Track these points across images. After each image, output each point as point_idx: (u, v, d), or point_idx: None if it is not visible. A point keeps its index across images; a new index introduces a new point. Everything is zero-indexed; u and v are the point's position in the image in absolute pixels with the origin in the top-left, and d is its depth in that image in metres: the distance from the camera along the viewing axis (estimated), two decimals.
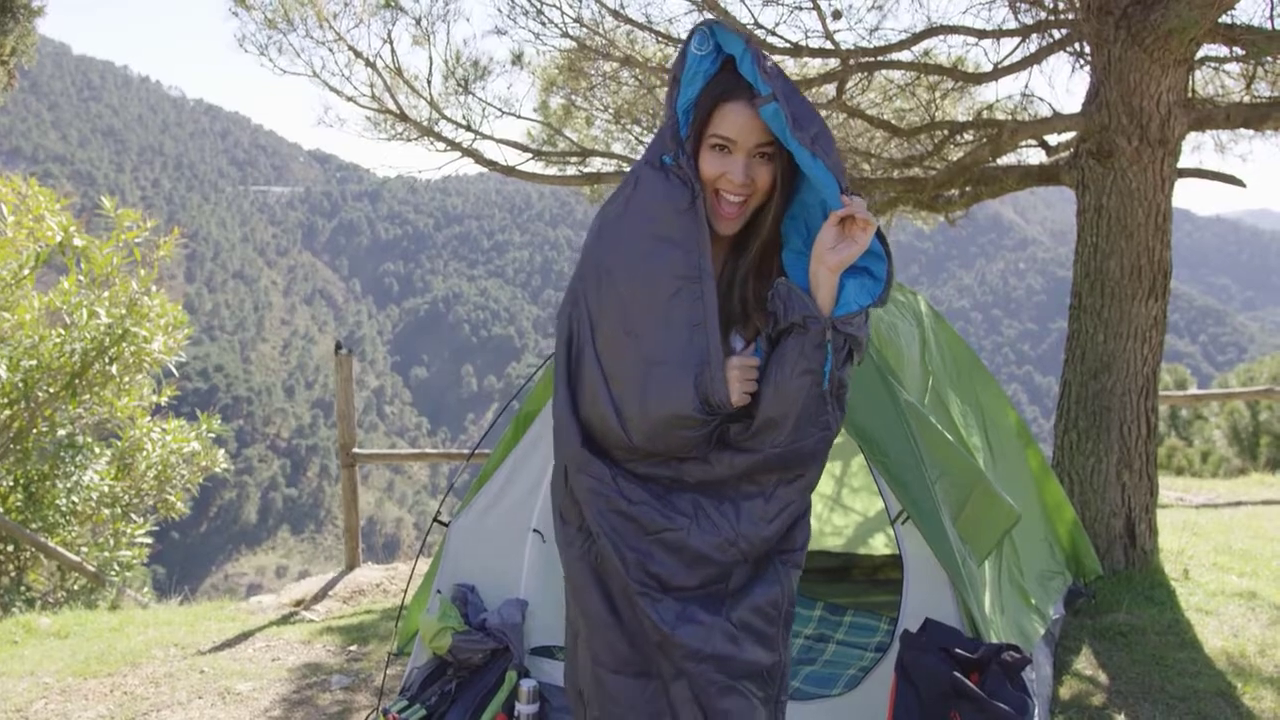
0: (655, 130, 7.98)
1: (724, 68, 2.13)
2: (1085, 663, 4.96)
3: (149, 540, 10.17)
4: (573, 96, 8.24)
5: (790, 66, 8.09)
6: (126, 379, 10.21)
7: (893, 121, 7.53)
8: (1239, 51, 6.84)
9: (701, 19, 2.17)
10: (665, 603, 2.18)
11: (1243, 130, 7.64)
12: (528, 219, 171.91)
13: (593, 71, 7.76)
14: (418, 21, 7.30)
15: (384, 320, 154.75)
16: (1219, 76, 7.88)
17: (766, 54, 2.08)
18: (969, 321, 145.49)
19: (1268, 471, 12.84)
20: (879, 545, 6.22)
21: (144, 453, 10.22)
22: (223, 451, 10.95)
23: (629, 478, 2.21)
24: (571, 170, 8.41)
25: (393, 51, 7.50)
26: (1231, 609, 5.64)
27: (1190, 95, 6.55)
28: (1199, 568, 6.41)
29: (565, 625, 2.41)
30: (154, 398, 10.68)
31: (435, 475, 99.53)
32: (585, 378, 2.21)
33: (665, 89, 7.26)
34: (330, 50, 7.48)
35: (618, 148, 8.60)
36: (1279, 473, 12.31)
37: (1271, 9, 6.24)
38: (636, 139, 8.40)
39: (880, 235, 2.12)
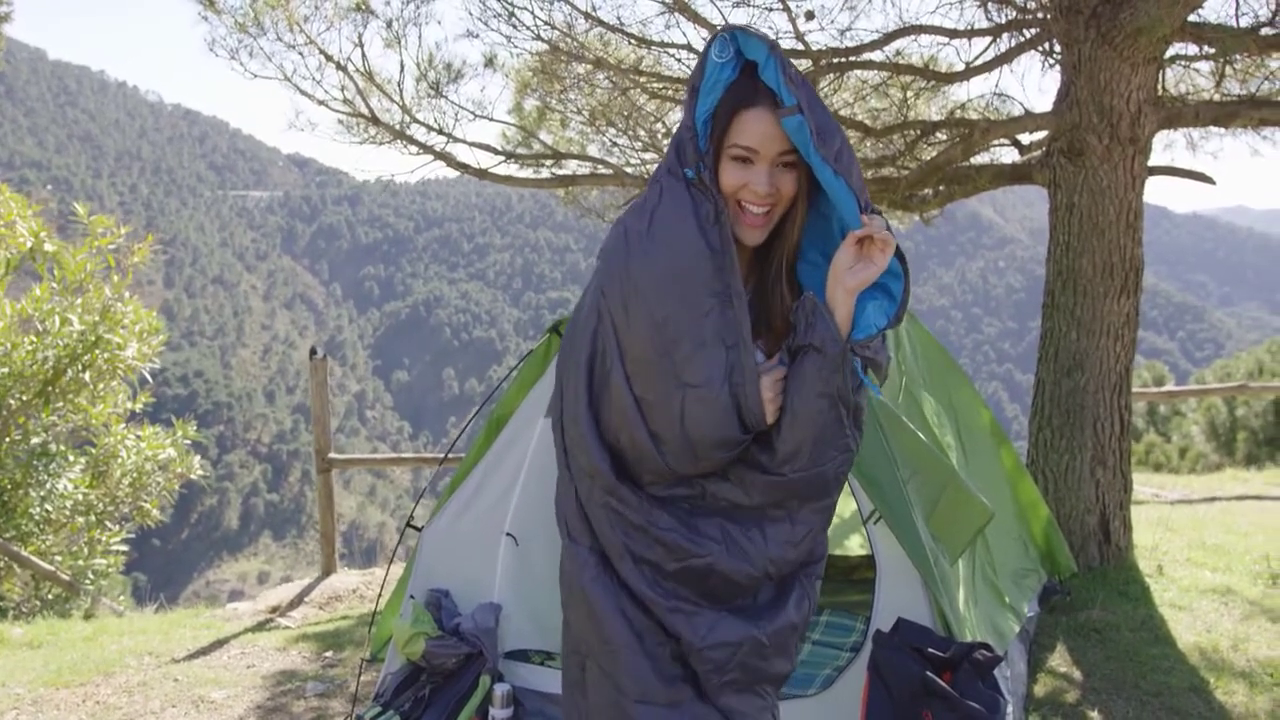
0: (629, 132, 7.97)
1: (742, 73, 2.04)
2: (1060, 659, 4.98)
3: (124, 548, 10.09)
4: (547, 99, 8.22)
5: None
6: (101, 386, 10.14)
7: (866, 122, 7.54)
8: (1209, 50, 6.88)
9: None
10: (700, 615, 2.13)
11: (1214, 128, 7.68)
12: (508, 221, 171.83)
13: (566, 74, 7.74)
14: (389, 25, 7.26)
15: (365, 324, 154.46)
16: (1190, 75, 7.93)
17: (791, 60, 2.01)
18: (949, 320, 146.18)
19: (1242, 467, 12.93)
20: (854, 545, 6.23)
21: (119, 460, 10.14)
22: (199, 458, 10.87)
23: (655, 502, 2.14)
24: (546, 173, 8.38)
25: (364, 55, 7.46)
26: (1205, 604, 5.67)
27: (1161, 93, 6.58)
28: (1173, 564, 6.45)
29: (565, 656, 2.30)
30: (129, 404, 10.60)
31: (418, 479, 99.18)
32: (614, 400, 2.12)
33: (638, 91, 7.20)
34: (301, 54, 7.42)
35: (593, 150, 8.58)
36: (1253, 468, 12.39)
37: (1237, 7, 6.28)
38: (611, 141, 8.38)
39: (899, 253, 2.05)
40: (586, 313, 2.19)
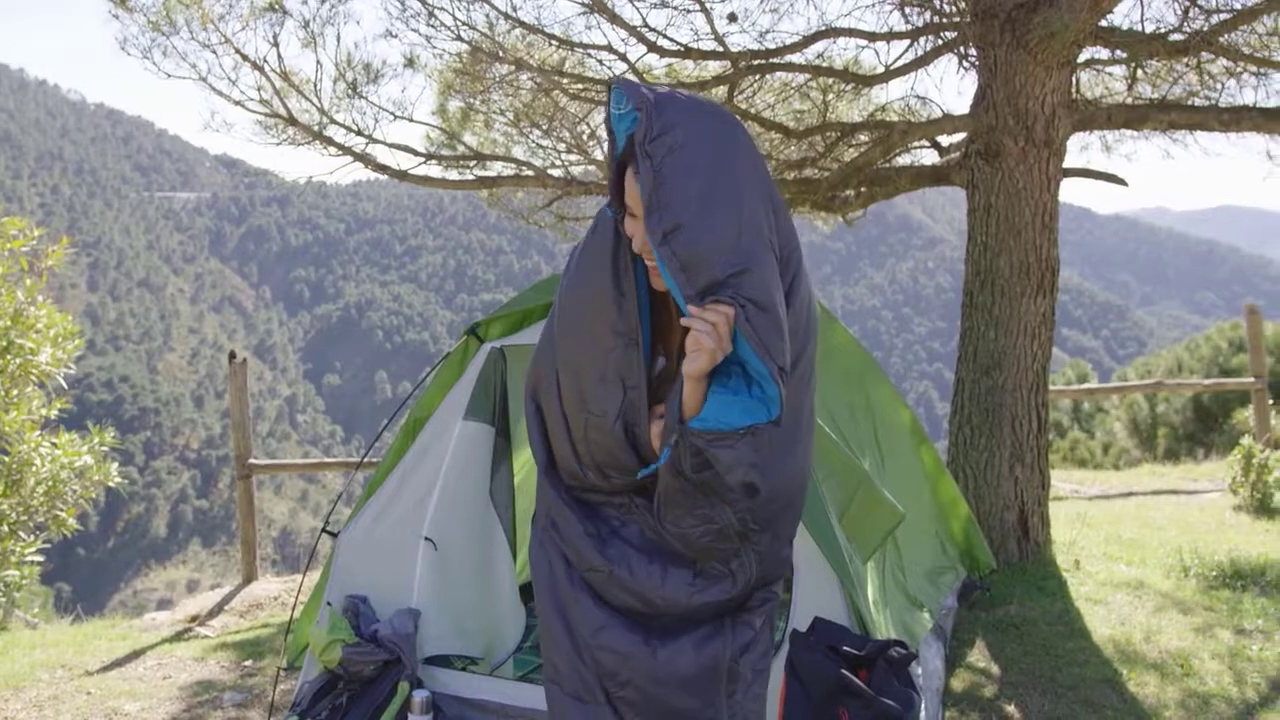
0: (553, 133, 7.95)
1: None
2: (978, 655, 5.04)
3: (40, 559, 9.82)
4: (470, 100, 8.15)
5: (690, 69, 8.10)
6: (14, 392, 9.85)
7: (788, 124, 7.59)
8: (1120, 54, 7.02)
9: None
10: (594, 610, 2.16)
11: (1127, 130, 7.83)
12: (440, 223, 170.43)
13: (488, 75, 7.68)
14: (305, 25, 7.15)
15: (295, 327, 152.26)
16: (1104, 79, 8.08)
17: (664, 112, 1.90)
18: (880, 320, 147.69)
19: (1162, 462, 13.21)
20: None
21: (33, 468, 9.86)
22: (116, 464, 10.60)
23: (570, 504, 2.21)
24: (469, 175, 8.31)
25: (279, 55, 7.34)
26: (1119, 598, 5.78)
27: (1076, 96, 6.70)
28: (1090, 558, 6.56)
29: None
30: (44, 411, 10.31)
31: (351, 484, 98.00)
32: (551, 409, 2.22)
33: (561, 92, 7.17)
34: (216, 53, 7.27)
35: (518, 151, 8.52)
36: (1169, 463, 12.67)
37: (1142, 13, 6.42)
38: (535, 143, 8.34)
39: (759, 354, 1.84)
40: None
